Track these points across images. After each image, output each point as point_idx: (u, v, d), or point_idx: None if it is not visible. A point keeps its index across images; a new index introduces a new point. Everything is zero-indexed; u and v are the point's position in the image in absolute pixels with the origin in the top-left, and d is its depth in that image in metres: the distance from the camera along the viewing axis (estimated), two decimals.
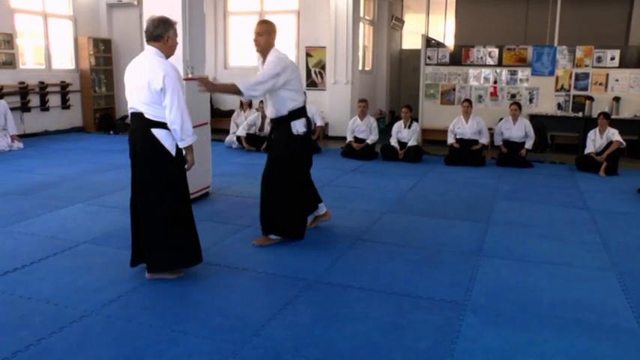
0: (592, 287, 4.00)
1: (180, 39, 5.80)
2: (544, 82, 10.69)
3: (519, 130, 9.15)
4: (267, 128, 9.99)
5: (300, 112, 4.74)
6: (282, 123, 4.73)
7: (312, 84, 12.33)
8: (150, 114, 3.81)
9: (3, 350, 2.97)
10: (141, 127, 3.85)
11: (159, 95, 3.76)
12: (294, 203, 4.78)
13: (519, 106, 9.30)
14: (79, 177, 7.49)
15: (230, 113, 11.43)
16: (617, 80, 10.34)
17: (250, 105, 10.70)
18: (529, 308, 3.62)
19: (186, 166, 4.01)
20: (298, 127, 4.70)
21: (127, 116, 12.85)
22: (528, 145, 9.10)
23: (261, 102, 10.11)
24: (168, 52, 3.93)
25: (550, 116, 10.54)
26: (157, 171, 3.87)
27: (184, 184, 4.02)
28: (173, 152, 3.87)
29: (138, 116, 3.87)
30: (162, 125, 3.82)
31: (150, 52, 3.89)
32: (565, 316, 3.50)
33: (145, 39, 3.94)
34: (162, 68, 3.76)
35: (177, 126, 3.79)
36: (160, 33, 3.88)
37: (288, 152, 4.73)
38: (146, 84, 3.76)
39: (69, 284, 3.89)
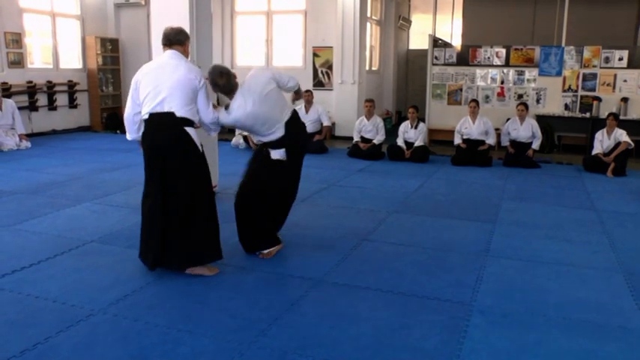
0: (599, 288, 3.99)
1: None
2: (551, 83, 10.65)
3: (526, 130, 9.12)
4: None
5: None
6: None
7: (319, 84, 12.34)
8: (182, 113, 3.91)
9: (11, 348, 2.99)
10: (171, 126, 3.91)
11: (195, 94, 3.99)
12: None
13: (526, 106, 9.27)
14: (86, 176, 7.52)
15: None
16: (625, 81, 10.28)
17: None
18: (536, 309, 3.61)
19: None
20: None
21: None
22: (535, 145, 9.07)
23: None
24: (186, 56, 4.16)
25: (557, 117, 10.50)
26: (192, 167, 3.98)
27: (209, 180, 4.20)
28: (200, 149, 4.04)
29: (166, 116, 3.89)
30: (191, 123, 3.98)
31: (176, 54, 4.05)
32: (572, 317, 3.49)
33: (163, 43, 4.09)
34: (196, 69, 4.10)
35: (210, 120, 4.16)
36: (183, 39, 4.12)
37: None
38: (183, 83, 3.91)
39: (76, 283, 3.91)
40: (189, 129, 3.95)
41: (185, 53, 4.13)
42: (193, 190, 3.98)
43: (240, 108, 4.16)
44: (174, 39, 4.07)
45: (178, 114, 3.89)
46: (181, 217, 3.96)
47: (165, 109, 3.89)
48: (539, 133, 9.12)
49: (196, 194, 4.00)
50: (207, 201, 4.08)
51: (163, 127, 3.92)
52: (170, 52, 4.06)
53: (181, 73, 3.93)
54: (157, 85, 3.91)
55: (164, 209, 3.95)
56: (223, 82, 4.17)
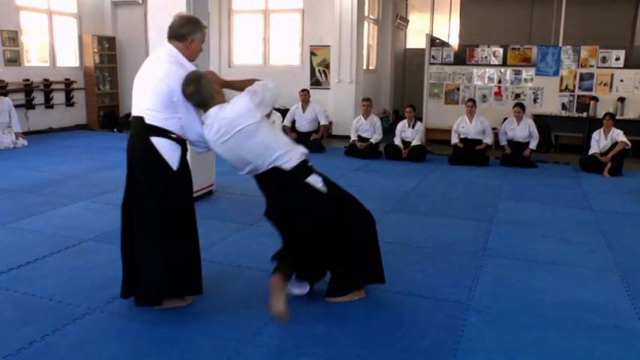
0: (595, 288, 3.99)
1: None
2: (548, 82, 10.66)
3: (523, 130, 9.13)
4: None
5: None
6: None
7: (316, 83, 12.32)
8: (151, 120, 3.29)
9: (7, 347, 2.98)
10: (139, 134, 3.34)
11: (167, 101, 3.28)
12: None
13: (522, 107, 9.25)
14: (83, 174, 7.51)
15: None
16: (621, 81, 10.30)
17: None
18: (532, 308, 3.62)
19: None
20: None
21: (130, 114, 12.97)
22: (532, 145, 9.09)
23: None
24: (189, 55, 3.46)
25: (554, 116, 10.52)
26: (154, 186, 3.33)
27: (187, 206, 3.48)
28: (174, 166, 3.33)
29: (138, 121, 3.35)
30: (164, 133, 3.31)
31: (167, 52, 3.41)
32: (568, 317, 3.50)
33: (166, 35, 3.48)
34: (177, 73, 3.29)
35: (195, 137, 3.41)
36: (185, 33, 3.42)
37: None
38: (154, 87, 3.29)
39: (72, 281, 3.90)
40: (158, 140, 3.28)
41: (186, 51, 3.43)
42: (149, 212, 3.35)
43: (206, 128, 3.37)
44: (174, 33, 3.43)
45: (148, 121, 3.29)
46: (137, 242, 3.42)
47: (139, 113, 3.35)
48: (536, 133, 9.13)
49: (151, 218, 3.35)
50: (159, 229, 3.36)
51: (133, 135, 3.41)
52: (164, 48, 3.45)
53: (157, 75, 3.31)
54: (137, 86, 3.43)
55: (126, 229, 3.49)
56: (190, 92, 3.28)
